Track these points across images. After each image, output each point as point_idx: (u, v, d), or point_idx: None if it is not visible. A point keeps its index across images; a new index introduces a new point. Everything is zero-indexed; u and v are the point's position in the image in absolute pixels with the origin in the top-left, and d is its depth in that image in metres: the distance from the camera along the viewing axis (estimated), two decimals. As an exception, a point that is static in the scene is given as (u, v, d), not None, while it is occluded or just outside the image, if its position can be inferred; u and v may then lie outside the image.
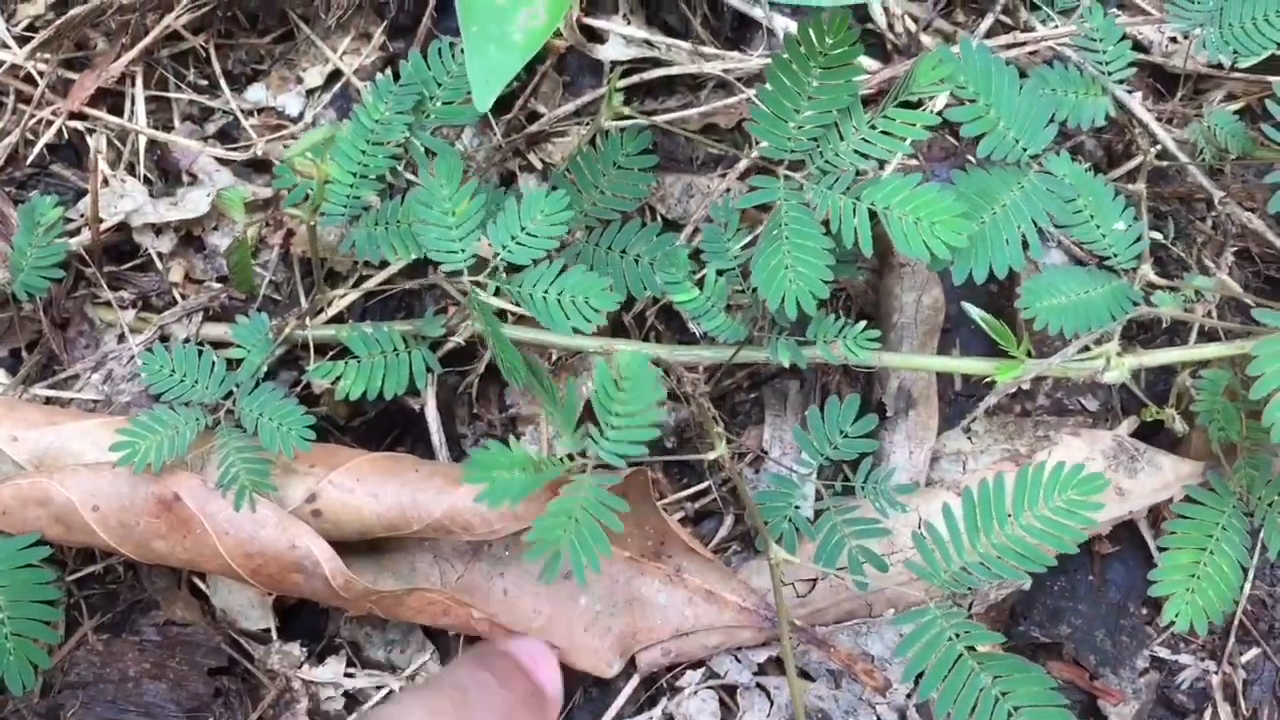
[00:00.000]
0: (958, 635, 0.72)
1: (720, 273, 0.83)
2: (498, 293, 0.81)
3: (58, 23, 0.93)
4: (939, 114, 0.82)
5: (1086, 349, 0.78)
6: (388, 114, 0.84)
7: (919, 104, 0.81)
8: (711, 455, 0.79)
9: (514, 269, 0.82)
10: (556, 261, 0.81)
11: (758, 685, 0.87)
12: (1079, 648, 0.88)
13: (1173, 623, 0.81)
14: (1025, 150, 0.83)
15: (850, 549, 0.79)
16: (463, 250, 0.81)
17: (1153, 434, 0.91)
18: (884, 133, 0.79)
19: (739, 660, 0.87)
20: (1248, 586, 0.90)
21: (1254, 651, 0.91)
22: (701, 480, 0.92)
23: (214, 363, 0.85)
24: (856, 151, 0.79)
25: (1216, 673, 0.90)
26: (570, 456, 0.77)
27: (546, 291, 0.80)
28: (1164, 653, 0.91)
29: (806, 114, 0.78)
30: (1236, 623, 0.90)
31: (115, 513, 0.81)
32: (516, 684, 0.76)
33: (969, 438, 0.91)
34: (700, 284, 0.83)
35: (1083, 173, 0.85)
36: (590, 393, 0.90)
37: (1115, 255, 0.85)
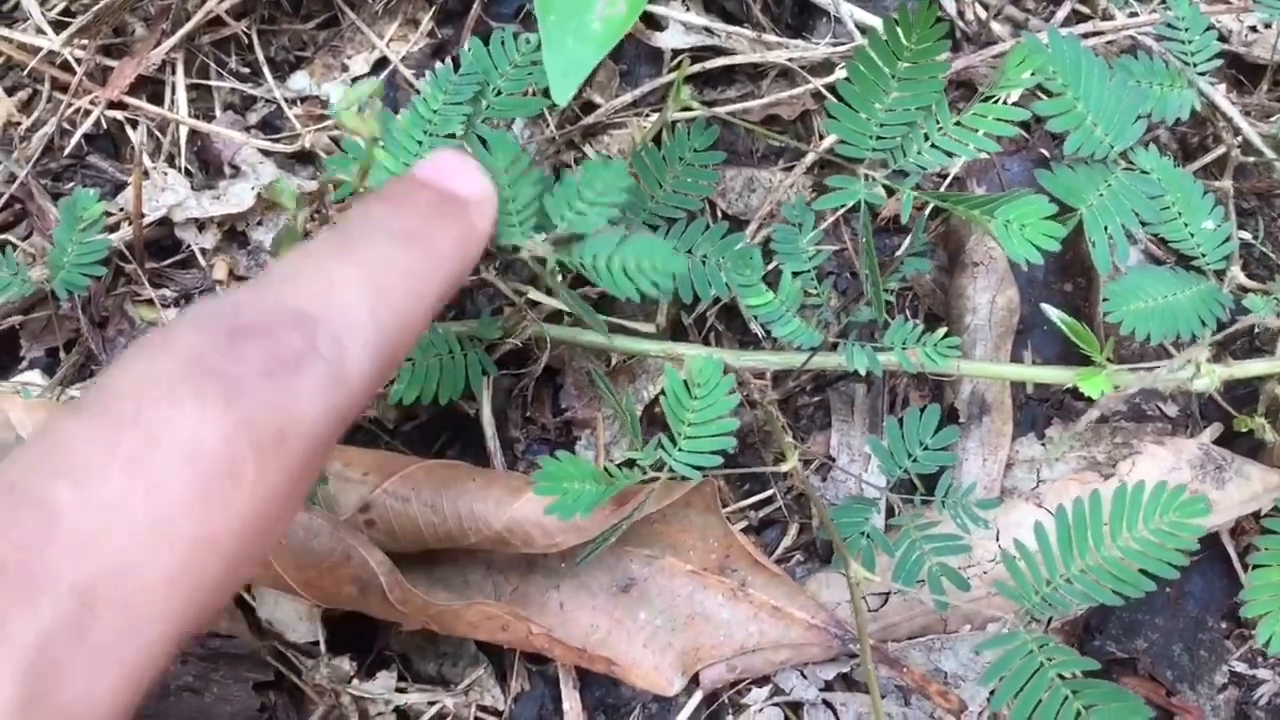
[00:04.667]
0: (1049, 661, 0.68)
1: (795, 275, 0.80)
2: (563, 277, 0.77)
3: (96, 7, 0.89)
4: (1017, 106, 0.78)
5: (1195, 366, 0.74)
6: (445, 104, 0.81)
7: (998, 97, 0.77)
8: (783, 468, 0.75)
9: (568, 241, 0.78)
10: (618, 228, 0.78)
11: (824, 702, 0.83)
12: (1155, 663, 0.85)
13: (1267, 643, 0.78)
14: (1113, 146, 0.79)
15: (930, 566, 0.76)
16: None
17: (1233, 441, 0.88)
18: (968, 128, 0.75)
19: (805, 677, 0.84)
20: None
21: (1335, 667, 0.88)
22: (764, 487, 0.88)
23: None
24: (938, 148, 0.76)
25: (1295, 689, 0.87)
26: (630, 464, 0.74)
27: (610, 259, 0.76)
28: (1242, 668, 0.87)
29: (889, 111, 0.74)
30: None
31: (160, 522, 0.77)
32: (417, 198, 0.58)
33: (1044, 445, 0.87)
34: (772, 287, 0.79)
35: (1171, 168, 0.81)
36: (649, 397, 0.88)
37: (1203, 255, 0.81)
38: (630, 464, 0.75)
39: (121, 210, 0.89)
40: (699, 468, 0.71)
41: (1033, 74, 0.75)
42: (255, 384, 0.42)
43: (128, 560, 0.38)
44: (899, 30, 0.71)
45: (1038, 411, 0.90)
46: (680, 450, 0.71)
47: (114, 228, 0.88)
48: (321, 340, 0.45)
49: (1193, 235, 0.81)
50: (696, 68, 0.93)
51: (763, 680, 0.84)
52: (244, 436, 0.41)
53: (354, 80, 0.94)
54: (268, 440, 0.42)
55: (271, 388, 0.43)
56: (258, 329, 0.44)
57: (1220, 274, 0.81)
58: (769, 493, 0.88)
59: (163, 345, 0.43)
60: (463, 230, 0.57)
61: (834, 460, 0.87)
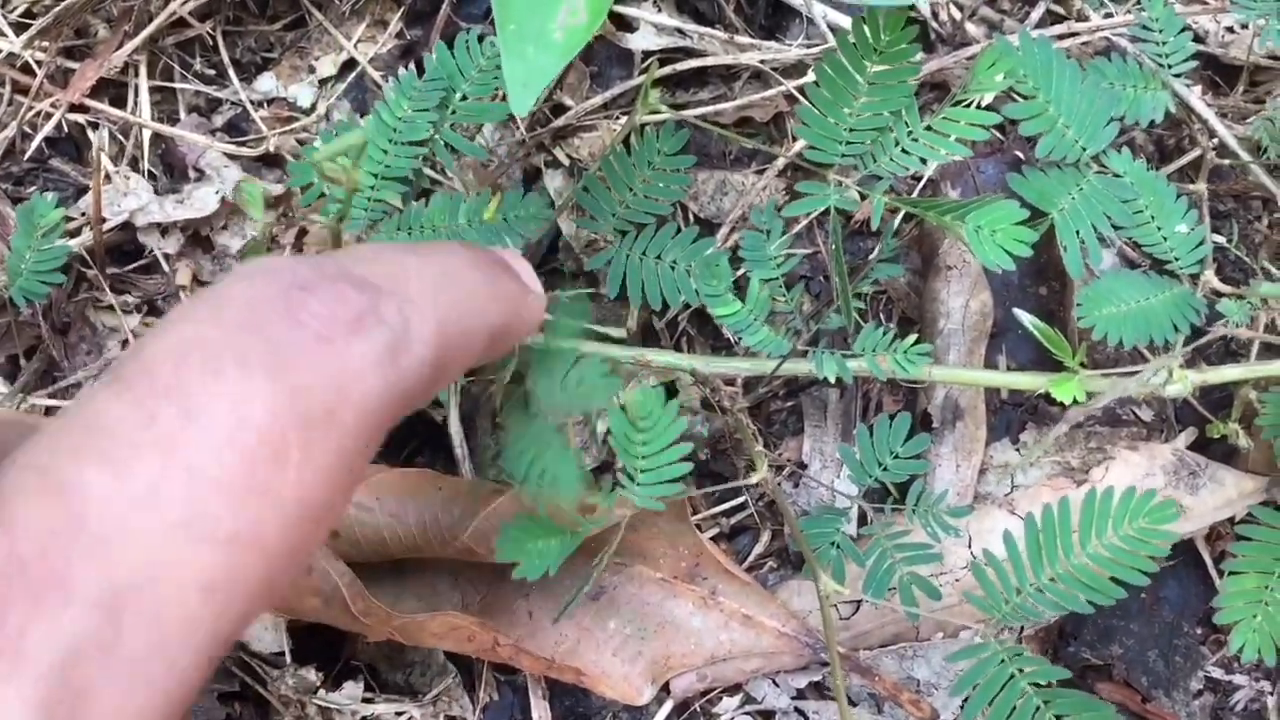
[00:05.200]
0: (1021, 672, 0.68)
1: (763, 282, 0.79)
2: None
3: (56, 9, 0.87)
4: (989, 109, 0.77)
5: (1167, 372, 0.73)
6: (411, 111, 0.80)
7: (969, 100, 0.76)
8: (753, 479, 0.74)
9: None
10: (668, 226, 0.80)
11: (796, 710, 0.83)
12: (1130, 669, 0.85)
13: (1240, 650, 0.77)
14: (1085, 150, 0.78)
15: (901, 575, 0.75)
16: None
17: (1208, 446, 0.87)
18: (939, 132, 0.74)
19: (777, 685, 0.83)
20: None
21: (1312, 673, 0.87)
22: (736, 494, 0.87)
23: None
24: (908, 153, 0.75)
25: (1272, 693, 0.86)
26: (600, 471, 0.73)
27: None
28: (1218, 673, 0.87)
29: (858, 115, 0.73)
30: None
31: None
32: (484, 252, 0.54)
33: (1018, 450, 0.87)
34: (741, 295, 0.79)
35: (1144, 171, 0.80)
36: (620, 402, 0.87)
37: (1176, 259, 0.80)
38: (598, 472, 0.74)
39: (83, 215, 0.87)
40: (663, 496, 0.70)
41: (1003, 77, 0.74)
42: (308, 348, 0.38)
43: (160, 561, 0.34)
44: (868, 31, 0.70)
45: (1012, 416, 0.90)
46: (640, 485, 0.70)
47: (75, 232, 0.87)
48: (385, 306, 0.40)
49: (1166, 239, 0.80)
50: (667, 70, 0.92)
51: (734, 689, 0.83)
52: (291, 411, 0.36)
53: (321, 82, 0.93)
54: (318, 415, 0.37)
55: (326, 353, 0.38)
56: (319, 287, 0.39)
57: (1194, 278, 0.80)
58: (740, 499, 0.87)
59: (211, 303, 0.38)
60: (520, 294, 0.53)
61: (806, 467, 0.86)
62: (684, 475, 0.69)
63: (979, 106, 0.86)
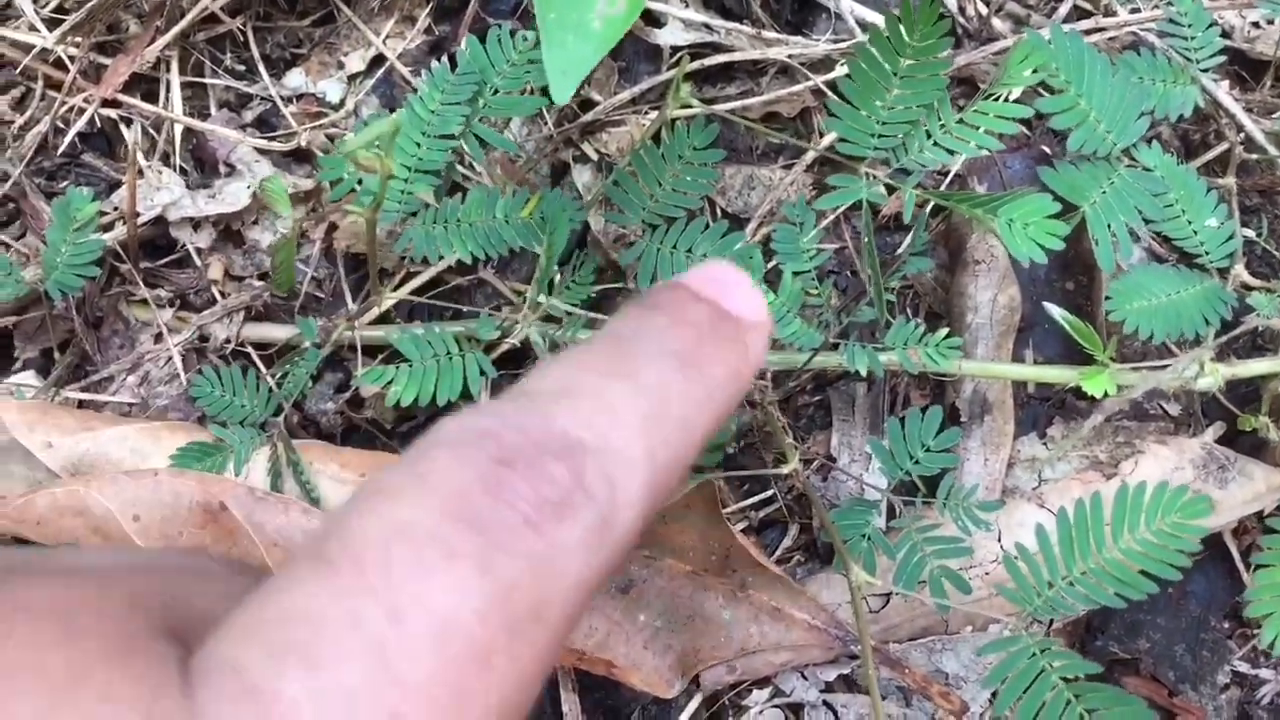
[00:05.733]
0: (1051, 665, 0.68)
1: (795, 275, 0.79)
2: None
3: (89, 5, 0.88)
4: (1017, 103, 0.77)
5: (1198, 365, 0.73)
6: (442, 104, 0.80)
7: (1001, 95, 0.77)
8: (784, 470, 0.75)
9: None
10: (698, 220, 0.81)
11: (824, 704, 0.83)
12: (1158, 663, 0.85)
13: (1271, 644, 0.77)
14: (1116, 144, 0.78)
15: (931, 569, 0.75)
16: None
17: (1235, 439, 0.87)
18: (970, 126, 0.75)
19: (806, 678, 0.83)
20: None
21: (1337, 666, 0.87)
22: (765, 488, 0.88)
23: (259, 381, 0.84)
24: (939, 146, 0.75)
25: (1298, 688, 0.86)
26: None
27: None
28: (1244, 667, 0.87)
29: (890, 109, 0.73)
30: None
31: (157, 523, 0.77)
32: (694, 314, 0.52)
33: (1045, 444, 0.87)
34: (773, 288, 0.79)
35: (1175, 165, 0.80)
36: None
37: (1206, 253, 0.81)
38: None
39: (116, 209, 0.88)
40: (698, 469, 0.70)
41: (1034, 71, 0.74)
42: (515, 537, 0.36)
43: None
44: (900, 27, 0.70)
45: (1039, 410, 0.90)
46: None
47: (108, 227, 0.87)
48: (591, 477, 0.39)
49: (1196, 233, 0.80)
50: (695, 65, 0.92)
51: (763, 682, 0.83)
52: (499, 612, 0.35)
53: (350, 78, 0.94)
54: (524, 615, 0.36)
55: (533, 543, 0.36)
56: (525, 460, 0.38)
57: (1224, 272, 0.81)
58: (769, 493, 0.87)
59: (414, 477, 0.36)
60: (739, 357, 0.49)
61: (835, 460, 0.86)
62: (721, 446, 0.69)
63: (1007, 100, 0.86)
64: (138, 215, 0.86)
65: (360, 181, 0.80)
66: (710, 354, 0.47)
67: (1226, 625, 0.87)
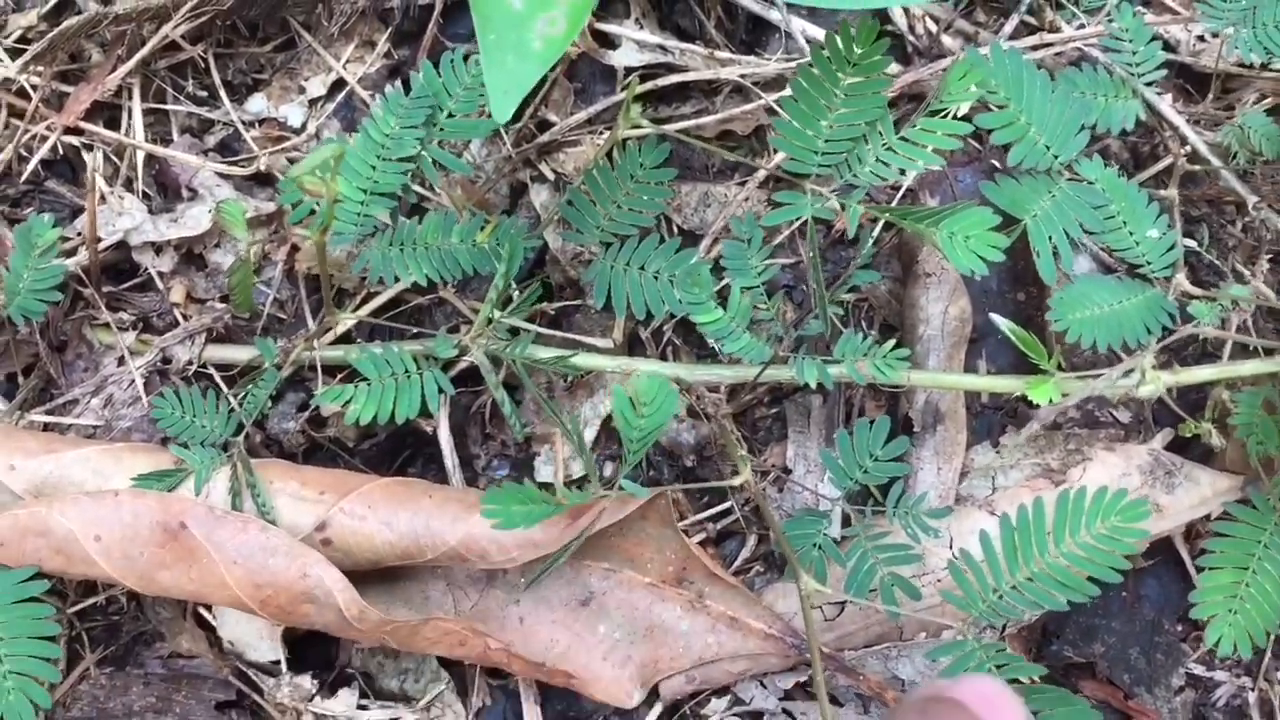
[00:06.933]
0: (999, 668, 0.69)
1: (744, 291, 0.80)
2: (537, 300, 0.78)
3: (51, 34, 0.89)
4: (964, 119, 0.79)
5: (1130, 372, 0.74)
6: (398, 128, 0.81)
7: (944, 111, 0.78)
8: (736, 481, 0.76)
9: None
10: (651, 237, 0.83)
11: (784, 711, 0.84)
12: (1113, 667, 0.86)
13: (1216, 644, 0.79)
14: (1056, 158, 0.80)
15: (881, 576, 0.77)
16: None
17: (1186, 445, 0.89)
18: (913, 143, 0.76)
19: (765, 686, 0.84)
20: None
21: (1291, 667, 0.89)
22: (723, 499, 0.89)
23: (220, 401, 0.85)
24: (883, 162, 0.77)
25: (1253, 689, 0.88)
26: (584, 481, 0.75)
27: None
28: (1199, 670, 0.88)
29: (833, 127, 0.75)
30: (1272, 639, 0.87)
31: (118, 543, 0.78)
32: None
33: (998, 452, 0.88)
34: (722, 303, 0.80)
35: (1115, 178, 0.82)
36: (607, 411, 0.88)
37: (1148, 264, 0.82)
38: (584, 481, 0.76)
39: (79, 235, 0.89)
40: (655, 481, 0.72)
41: (975, 87, 0.76)
42: None
43: None
44: (841, 44, 0.72)
45: (993, 419, 0.91)
46: (629, 465, 0.72)
47: (71, 252, 0.89)
48: None
49: (1138, 244, 0.82)
50: (650, 85, 0.93)
51: (722, 691, 0.84)
52: None
53: (311, 102, 0.95)
54: None
55: None
56: None
57: (1166, 281, 0.82)
58: (727, 504, 0.89)
59: None
60: None
61: (790, 471, 0.88)
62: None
63: (955, 117, 0.88)
64: (99, 240, 0.87)
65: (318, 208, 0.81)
66: None
67: (1180, 628, 0.89)
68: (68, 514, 0.78)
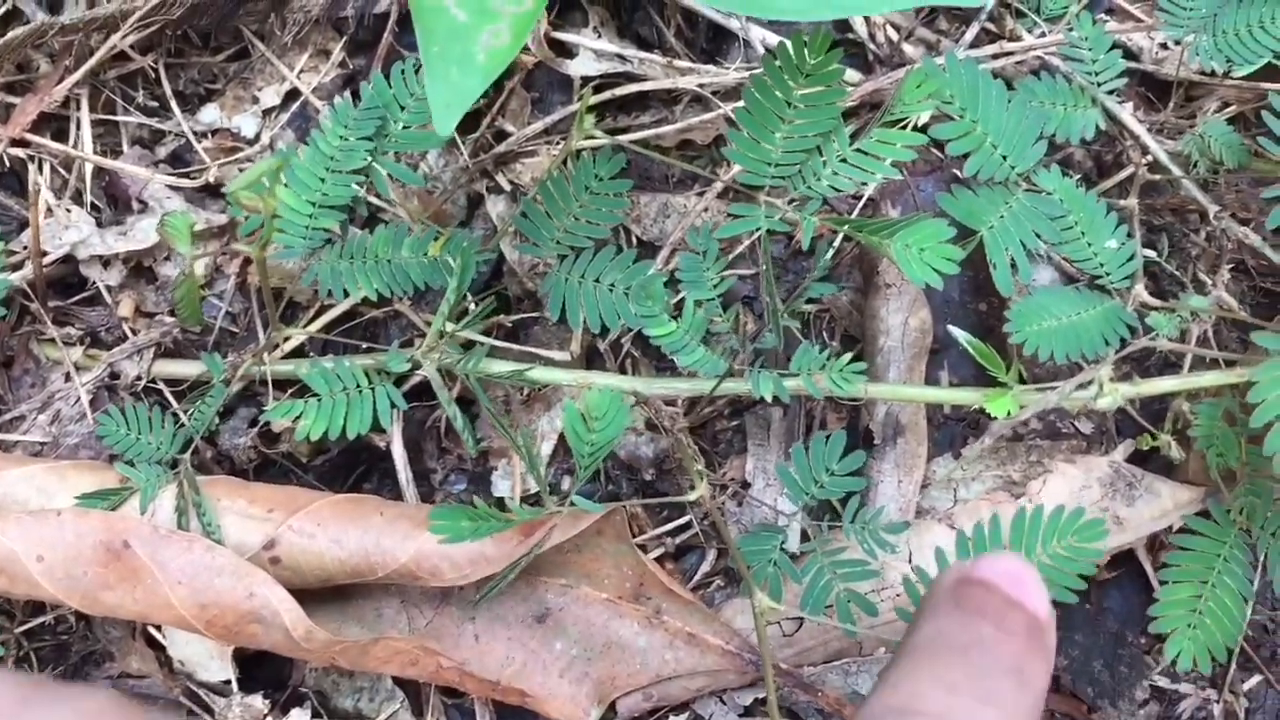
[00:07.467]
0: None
1: (699, 303, 0.79)
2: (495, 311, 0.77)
3: (-3, 44, 0.88)
4: (923, 129, 0.78)
5: (1088, 384, 0.74)
6: (348, 139, 0.80)
7: (902, 121, 0.78)
8: (692, 496, 0.75)
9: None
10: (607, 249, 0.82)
11: (743, 728, 0.83)
12: (1076, 679, 0.85)
13: (1175, 658, 0.78)
14: (1013, 169, 0.79)
15: (838, 592, 0.76)
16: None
17: (1148, 457, 0.88)
18: (869, 154, 0.76)
19: (724, 703, 0.83)
20: (1248, 612, 0.87)
21: (1256, 679, 0.88)
22: (682, 513, 0.88)
23: (166, 418, 0.83)
24: (839, 174, 0.76)
25: (1218, 702, 0.87)
26: (538, 497, 0.74)
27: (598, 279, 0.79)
28: (1163, 682, 0.87)
29: (787, 138, 0.74)
30: (1238, 650, 0.87)
31: (61, 563, 0.76)
32: (1015, 623, 0.58)
33: (960, 465, 0.88)
34: (678, 315, 0.79)
35: (1074, 189, 0.81)
36: (561, 427, 0.87)
37: (1107, 274, 0.82)
38: (540, 497, 0.75)
39: (26, 248, 0.87)
40: (614, 496, 0.71)
41: (931, 97, 0.75)
42: None
43: None
44: (793, 52, 0.71)
45: (955, 431, 0.90)
46: (580, 481, 0.71)
47: (18, 266, 0.87)
48: None
49: (1096, 255, 0.81)
50: (608, 95, 0.92)
51: (681, 708, 0.83)
52: None
53: (265, 113, 0.94)
54: None
55: None
56: None
57: (1125, 292, 0.81)
58: (686, 519, 0.88)
59: None
60: (1049, 662, 0.58)
61: (749, 486, 0.87)
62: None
63: (916, 127, 0.87)
64: (44, 254, 0.85)
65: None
66: (1035, 667, 0.56)
67: (1144, 641, 0.88)
68: (9, 533, 0.76)
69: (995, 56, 0.93)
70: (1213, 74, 0.95)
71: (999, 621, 0.57)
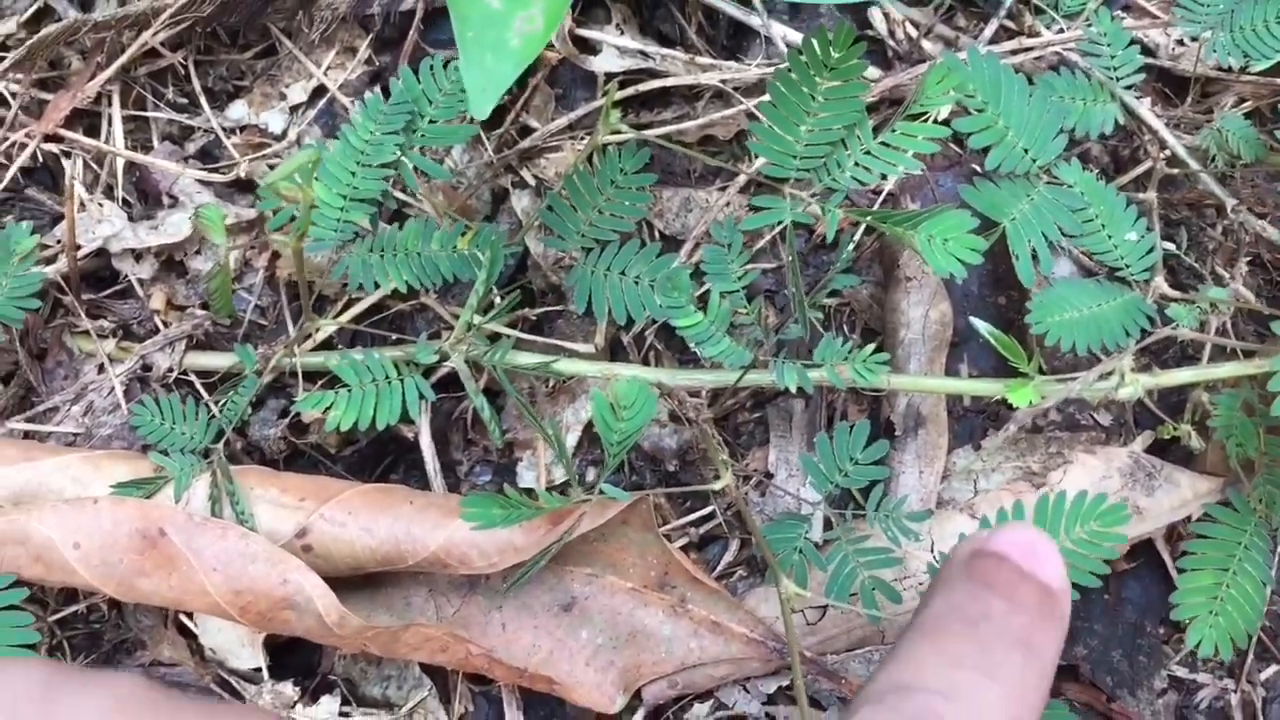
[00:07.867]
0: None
1: (724, 295, 0.81)
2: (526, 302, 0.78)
3: (30, 41, 0.89)
4: (944, 123, 0.79)
5: (1109, 374, 0.75)
6: (377, 134, 0.81)
7: (924, 115, 0.79)
8: (717, 485, 0.76)
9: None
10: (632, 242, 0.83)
11: (767, 715, 0.84)
12: (1095, 669, 0.86)
13: (1197, 645, 0.79)
14: (1035, 161, 0.80)
15: (862, 580, 0.77)
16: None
17: (1167, 448, 0.89)
18: (891, 147, 0.77)
19: (747, 691, 0.84)
20: (1268, 598, 0.88)
21: (1273, 669, 0.89)
22: (706, 503, 0.89)
23: (199, 408, 0.84)
24: (862, 166, 0.77)
25: (1235, 691, 0.88)
26: (566, 487, 0.75)
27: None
28: (1181, 672, 0.88)
29: (811, 131, 0.75)
30: (1255, 639, 0.88)
31: (97, 550, 0.77)
32: (1026, 595, 0.58)
33: (979, 456, 0.88)
34: (702, 308, 0.80)
35: (1094, 182, 0.82)
36: (589, 416, 0.88)
37: (1127, 267, 0.83)
38: (566, 487, 0.76)
39: (59, 242, 0.89)
40: (638, 486, 0.72)
41: (952, 92, 0.76)
42: None
43: None
44: (818, 48, 0.72)
45: (975, 422, 0.91)
46: (609, 470, 0.72)
47: (51, 260, 0.88)
48: None
49: (1116, 247, 0.82)
50: (630, 91, 0.94)
51: (705, 695, 0.84)
52: None
53: (292, 109, 0.95)
54: None
55: None
56: None
57: (1145, 284, 0.82)
58: (710, 509, 0.89)
59: None
60: (1061, 632, 0.58)
61: (772, 476, 0.88)
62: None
63: (935, 121, 0.88)
64: (78, 248, 0.87)
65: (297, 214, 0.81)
66: (1045, 638, 0.56)
67: (1162, 631, 0.89)
68: (46, 521, 0.77)
69: (1014, 52, 0.94)
70: (1229, 69, 0.96)
71: (1009, 593, 0.58)
